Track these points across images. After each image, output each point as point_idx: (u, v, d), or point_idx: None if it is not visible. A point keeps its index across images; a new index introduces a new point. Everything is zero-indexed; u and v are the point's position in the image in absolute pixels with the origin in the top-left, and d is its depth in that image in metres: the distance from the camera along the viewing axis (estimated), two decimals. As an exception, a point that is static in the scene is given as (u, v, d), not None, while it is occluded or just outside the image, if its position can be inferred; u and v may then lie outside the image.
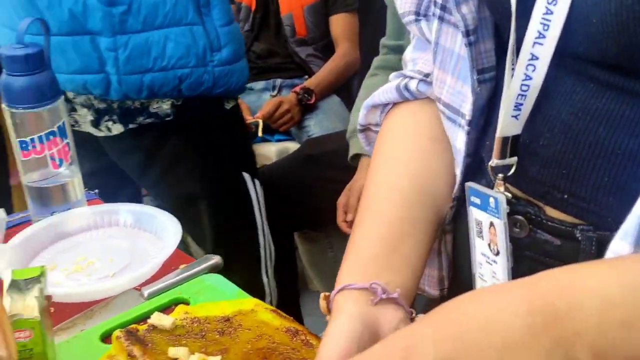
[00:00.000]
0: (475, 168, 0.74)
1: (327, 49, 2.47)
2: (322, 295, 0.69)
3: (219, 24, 1.52)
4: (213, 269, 0.99)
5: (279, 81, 2.49)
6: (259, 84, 2.49)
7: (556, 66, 0.61)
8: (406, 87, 0.78)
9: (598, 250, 0.61)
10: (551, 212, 0.65)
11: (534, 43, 0.59)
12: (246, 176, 1.71)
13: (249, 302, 0.88)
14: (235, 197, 1.71)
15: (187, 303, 0.92)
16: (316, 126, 2.34)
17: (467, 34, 0.68)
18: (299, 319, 1.52)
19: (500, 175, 0.67)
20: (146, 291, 0.95)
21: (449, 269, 0.81)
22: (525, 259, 0.67)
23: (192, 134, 1.62)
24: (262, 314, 0.86)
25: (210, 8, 1.50)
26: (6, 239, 1.10)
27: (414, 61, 0.80)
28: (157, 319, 0.86)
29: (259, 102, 2.42)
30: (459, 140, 0.72)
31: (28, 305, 0.71)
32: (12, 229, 1.14)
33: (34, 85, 1.01)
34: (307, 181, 1.99)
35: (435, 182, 0.75)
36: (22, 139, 1.05)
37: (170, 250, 0.99)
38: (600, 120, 0.58)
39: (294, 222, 2.06)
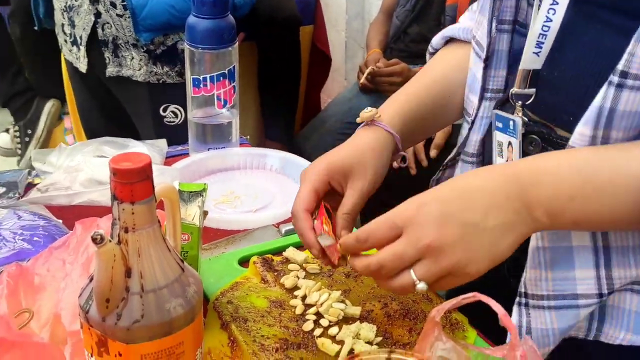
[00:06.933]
0: (500, 103, 0.86)
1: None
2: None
3: None
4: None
5: None
6: None
7: (572, 11, 0.72)
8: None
9: None
10: (560, 132, 0.76)
11: None
12: None
13: (377, 252, 0.95)
14: None
15: (319, 245, 0.99)
16: None
17: None
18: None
19: (520, 102, 0.79)
20: (284, 228, 1.03)
21: None
22: None
23: None
24: (388, 265, 0.91)
25: None
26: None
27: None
28: (291, 253, 0.94)
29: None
30: (480, 72, 0.85)
31: (189, 214, 0.81)
32: (171, 159, 1.26)
33: (216, 28, 1.12)
34: None
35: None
36: (195, 77, 1.16)
37: (310, 196, 1.07)
38: (605, 54, 0.70)
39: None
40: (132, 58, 1.59)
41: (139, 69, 1.59)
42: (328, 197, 0.82)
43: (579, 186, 0.66)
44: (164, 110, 1.63)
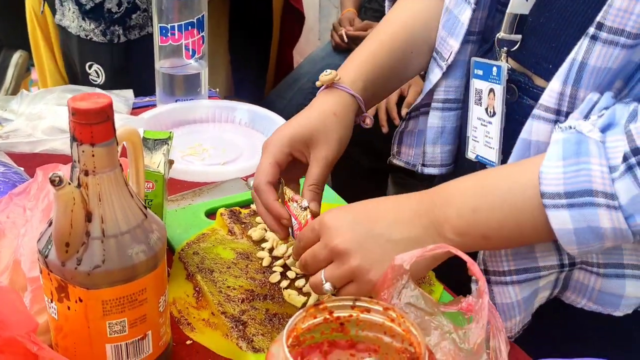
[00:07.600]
0: (483, 51, 0.84)
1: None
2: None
3: None
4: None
5: None
6: None
7: None
8: None
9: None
10: (538, 81, 0.75)
11: None
12: None
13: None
14: None
15: (287, 198, 0.98)
16: None
17: None
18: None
19: (505, 49, 0.77)
20: (252, 181, 1.01)
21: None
22: (512, 121, 0.78)
23: None
24: (356, 218, 0.91)
25: None
26: (131, 117, 1.19)
27: None
28: (259, 205, 0.93)
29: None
30: (465, 15, 0.82)
31: (154, 162, 0.79)
32: (138, 110, 1.23)
33: (183, -26, 1.09)
34: None
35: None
36: (163, 25, 1.13)
37: (279, 150, 1.06)
38: (591, 4, 0.68)
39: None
40: (69, 9, 1.61)
41: (73, 22, 1.62)
42: (292, 168, 0.80)
43: (480, 198, 0.66)
44: (89, 67, 1.65)
